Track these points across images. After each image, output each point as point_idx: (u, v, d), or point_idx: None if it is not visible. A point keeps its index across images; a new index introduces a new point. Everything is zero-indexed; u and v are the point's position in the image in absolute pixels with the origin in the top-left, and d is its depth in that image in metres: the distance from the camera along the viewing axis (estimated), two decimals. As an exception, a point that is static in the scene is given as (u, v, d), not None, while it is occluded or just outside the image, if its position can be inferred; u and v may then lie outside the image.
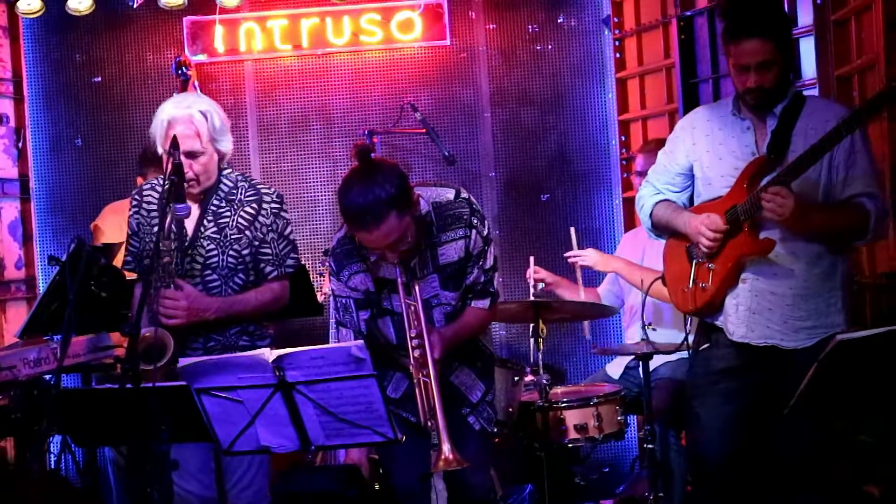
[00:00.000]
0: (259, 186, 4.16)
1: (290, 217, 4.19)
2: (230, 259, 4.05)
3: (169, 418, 3.40)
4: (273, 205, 4.12)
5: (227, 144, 4.10)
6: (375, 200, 3.57)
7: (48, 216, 6.75)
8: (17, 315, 6.42)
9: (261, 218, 4.09)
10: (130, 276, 4.37)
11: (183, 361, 3.33)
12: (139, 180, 5.66)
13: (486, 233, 3.87)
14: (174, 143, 3.80)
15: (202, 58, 6.59)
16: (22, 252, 6.66)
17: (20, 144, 6.68)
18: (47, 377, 4.77)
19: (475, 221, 3.83)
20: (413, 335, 3.71)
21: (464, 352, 3.96)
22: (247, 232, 4.07)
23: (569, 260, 5.42)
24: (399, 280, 3.75)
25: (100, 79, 6.77)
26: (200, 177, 4.01)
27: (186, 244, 4.03)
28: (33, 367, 4.68)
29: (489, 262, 3.90)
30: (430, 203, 3.82)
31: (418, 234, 3.74)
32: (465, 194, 3.88)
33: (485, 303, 3.92)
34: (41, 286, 6.58)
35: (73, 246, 4.31)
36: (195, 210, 4.06)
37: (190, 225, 4.06)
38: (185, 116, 3.99)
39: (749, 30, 3.75)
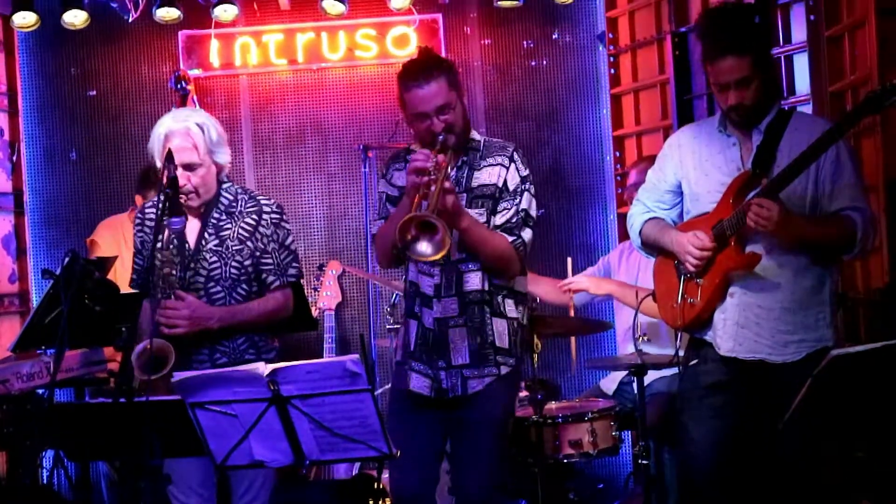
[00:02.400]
0: (259, 198, 4.21)
1: (290, 227, 4.24)
2: (233, 270, 4.08)
3: (163, 432, 3.39)
4: (273, 215, 4.16)
5: (224, 157, 4.14)
6: (433, 61, 3.97)
7: (42, 229, 6.74)
8: (11, 329, 6.40)
9: (261, 229, 4.12)
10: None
11: (178, 375, 3.32)
12: (138, 199, 5.66)
13: (526, 173, 4.03)
14: (169, 157, 3.84)
15: (197, 72, 6.60)
16: (15, 266, 6.64)
17: (14, 158, 6.67)
18: (40, 391, 4.77)
19: (517, 157, 4.03)
20: (436, 159, 3.80)
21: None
22: (248, 243, 4.10)
23: (562, 288, 5.43)
24: (439, 140, 3.88)
25: (95, 92, 6.78)
26: (199, 189, 4.05)
27: (189, 257, 4.05)
28: (26, 381, 4.68)
29: (525, 203, 4.01)
30: (482, 136, 4.11)
31: (464, 124, 4.00)
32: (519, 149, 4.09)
33: (510, 238, 3.98)
34: (34, 300, 6.57)
35: (67, 259, 4.31)
36: (196, 223, 4.09)
37: (192, 238, 4.09)
38: (182, 129, 4.03)
39: (724, 48, 3.77)
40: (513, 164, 4.00)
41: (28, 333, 4.88)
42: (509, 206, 3.98)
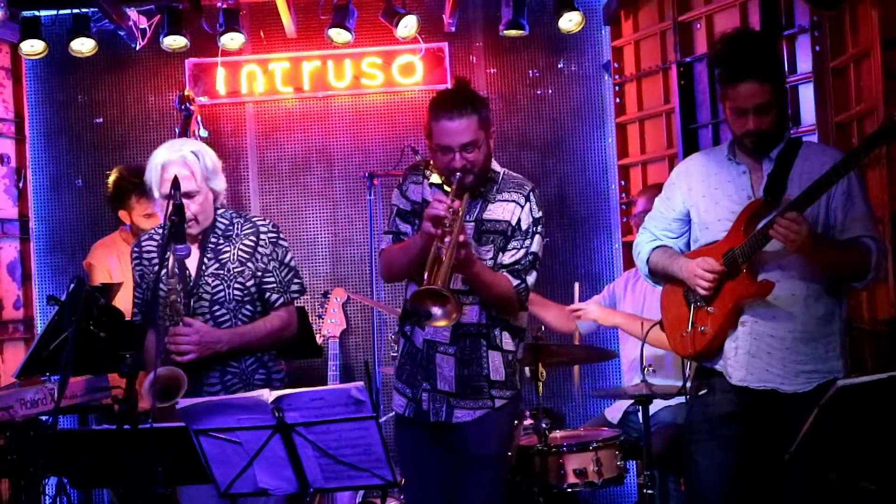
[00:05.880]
0: (254, 219, 4.25)
1: (287, 244, 4.27)
2: (236, 292, 4.11)
3: (167, 460, 3.38)
4: (270, 234, 4.19)
5: (220, 183, 4.18)
6: (468, 96, 3.96)
7: (47, 256, 6.76)
8: (15, 355, 6.40)
9: (260, 248, 4.15)
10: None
11: (182, 402, 3.32)
12: (122, 215, 5.65)
13: (539, 215, 4.01)
14: (175, 184, 3.84)
15: (204, 100, 6.62)
16: (21, 292, 6.65)
17: (20, 184, 6.69)
18: (44, 418, 4.75)
19: (533, 198, 4.00)
20: (453, 207, 3.75)
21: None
22: (248, 264, 4.13)
23: (572, 314, 5.42)
24: (455, 178, 3.86)
25: (101, 120, 6.81)
26: (199, 216, 4.08)
27: (191, 284, 4.08)
28: (30, 407, 4.66)
29: (535, 247, 3.99)
30: (502, 169, 4.07)
31: (485, 164, 3.94)
32: (536, 189, 4.06)
33: (515, 282, 3.96)
34: (39, 326, 6.57)
35: (73, 285, 4.31)
36: (195, 250, 4.11)
37: (192, 265, 4.12)
38: (178, 159, 4.07)
39: (746, 73, 3.76)
40: (528, 204, 3.99)
41: (32, 360, 4.87)
42: (519, 247, 3.98)
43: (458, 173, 3.85)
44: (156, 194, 4.10)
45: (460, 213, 3.76)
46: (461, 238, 3.72)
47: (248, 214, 4.29)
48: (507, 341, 4.03)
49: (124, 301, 4.96)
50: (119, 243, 5.71)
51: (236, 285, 4.11)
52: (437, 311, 3.68)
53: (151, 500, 3.40)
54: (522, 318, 4.12)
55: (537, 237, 4.00)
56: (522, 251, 3.97)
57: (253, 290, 4.14)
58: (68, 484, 4.80)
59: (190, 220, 4.03)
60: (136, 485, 3.41)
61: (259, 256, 4.15)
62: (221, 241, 4.15)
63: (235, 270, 4.11)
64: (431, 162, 4.05)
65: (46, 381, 4.81)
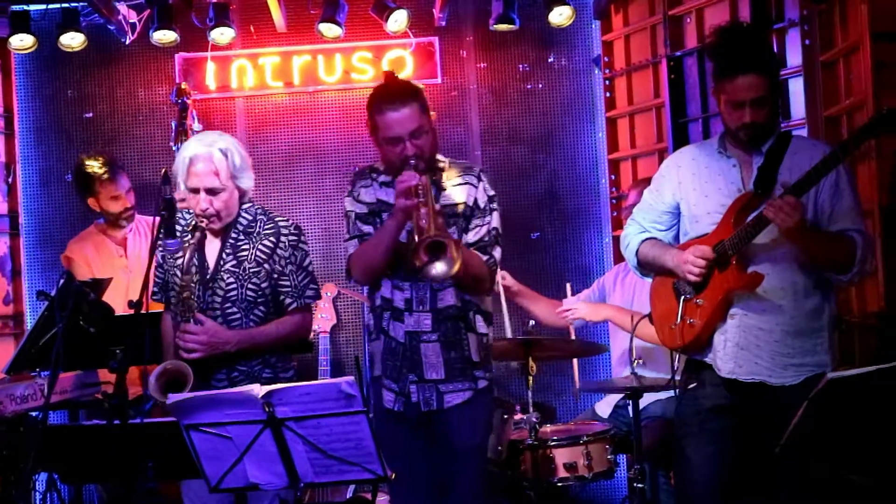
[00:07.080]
0: (277, 219, 4.24)
1: (308, 248, 4.27)
2: (249, 293, 4.12)
3: (158, 455, 3.38)
4: (291, 237, 4.19)
5: (248, 181, 4.20)
6: (405, 87, 4.08)
7: (37, 251, 6.73)
8: (5, 351, 6.36)
9: (279, 251, 4.16)
10: (158, 306, 4.36)
11: (172, 397, 3.32)
12: (91, 202, 5.69)
13: (493, 192, 4.12)
14: (165, 179, 3.85)
15: (193, 94, 6.59)
16: (10, 287, 6.63)
17: (10, 179, 6.67)
18: (34, 413, 4.75)
19: (484, 178, 4.12)
20: (421, 180, 3.83)
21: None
22: (265, 265, 4.14)
23: (560, 315, 5.43)
24: (409, 165, 3.92)
25: (91, 114, 6.78)
26: (221, 213, 4.11)
27: (208, 277, 4.09)
28: (20, 403, 4.65)
29: (496, 222, 4.10)
30: (447, 158, 4.18)
31: (433, 148, 4.05)
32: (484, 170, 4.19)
33: (484, 257, 4.06)
34: (29, 322, 6.55)
35: (62, 281, 4.30)
36: (216, 243, 4.13)
37: (211, 258, 4.13)
38: (205, 154, 4.09)
39: (744, 66, 3.77)
40: (481, 184, 4.10)
41: (22, 355, 4.86)
42: (481, 224, 4.08)
43: (411, 161, 3.93)
44: (181, 187, 4.11)
45: (428, 186, 3.85)
46: (437, 206, 3.82)
47: (273, 213, 4.27)
48: (481, 324, 4.13)
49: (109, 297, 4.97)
50: (94, 235, 5.76)
51: (250, 286, 4.11)
52: (440, 264, 3.72)
53: (141, 496, 3.40)
54: (489, 303, 4.21)
55: (495, 213, 4.11)
56: (485, 228, 4.08)
57: (267, 291, 4.15)
58: (58, 479, 4.81)
59: (212, 217, 4.09)
60: (127, 480, 3.41)
61: (277, 258, 4.15)
62: (242, 238, 4.16)
63: (251, 270, 4.12)
64: (377, 163, 4.16)
65: (36, 376, 4.81)
